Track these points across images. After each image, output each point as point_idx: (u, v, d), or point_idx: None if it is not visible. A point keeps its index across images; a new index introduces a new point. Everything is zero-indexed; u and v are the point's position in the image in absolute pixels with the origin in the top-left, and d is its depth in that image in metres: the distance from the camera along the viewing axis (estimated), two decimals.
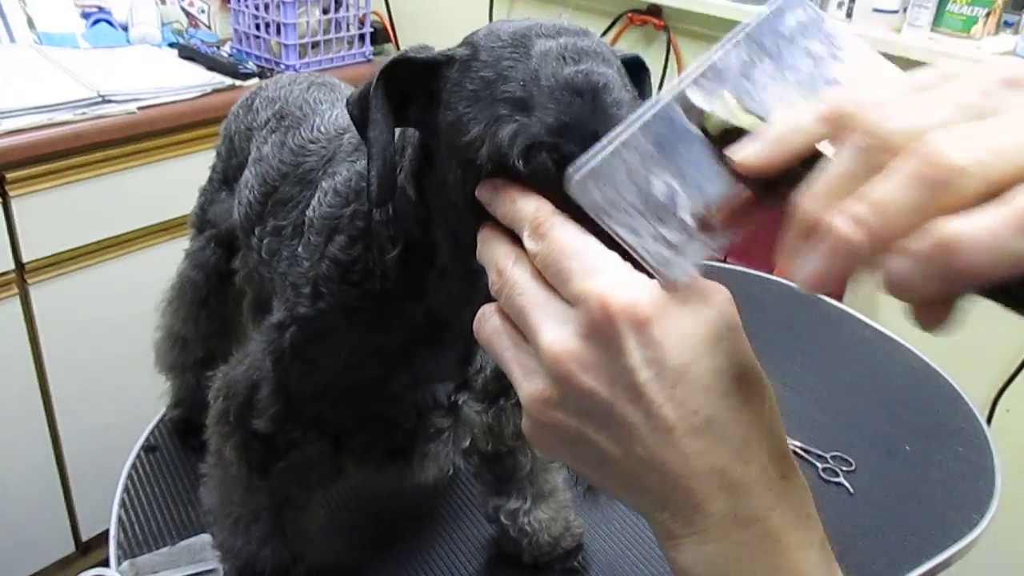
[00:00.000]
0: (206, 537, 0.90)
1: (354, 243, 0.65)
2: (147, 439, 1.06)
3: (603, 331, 0.40)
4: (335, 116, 0.81)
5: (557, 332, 0.41)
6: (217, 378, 0.76)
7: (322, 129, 0.80)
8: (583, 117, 0.45)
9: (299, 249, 0.70)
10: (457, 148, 0.49)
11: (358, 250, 0.64)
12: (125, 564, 0.85)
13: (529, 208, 0.44)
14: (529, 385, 0.43)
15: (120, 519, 0.93)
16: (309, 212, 0.71)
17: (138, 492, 0.98)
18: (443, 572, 0.91)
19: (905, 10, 1.62)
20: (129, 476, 1.00)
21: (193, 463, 1.02)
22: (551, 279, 0.42)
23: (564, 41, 0.48)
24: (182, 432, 1.05)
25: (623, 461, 0.42)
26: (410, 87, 0.53)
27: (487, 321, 0.45)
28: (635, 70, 0.56)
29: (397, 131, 0.56)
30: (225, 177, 0.98)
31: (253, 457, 0.73)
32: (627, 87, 0.48)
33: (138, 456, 1.03)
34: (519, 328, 0.44)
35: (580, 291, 0.40)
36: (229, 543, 0.81)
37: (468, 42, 0.52)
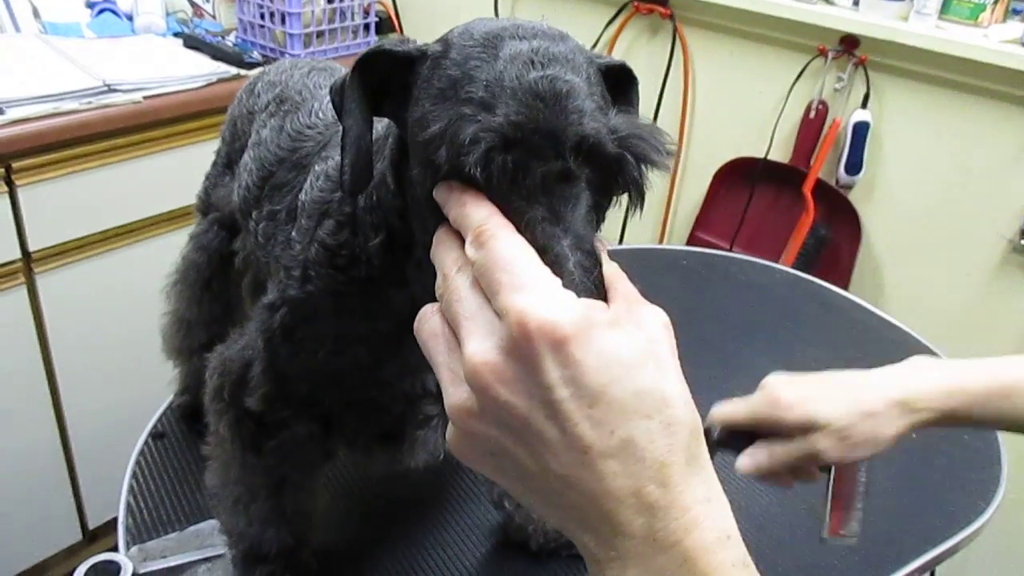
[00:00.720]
0: (214, 522, 0.90)
1: (341, 228, 0.65)
2: (155, 426, 1.07)
3: (521, 348, 0.40)
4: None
5: (481, 344, 0.42)
6: (214, 356, 0.77)
7: (320, 115, 0.81)
8: (541, 122, 0.45)
9: (292, 233, 0.70)
10: (419, 145, 0.48)
11: (345, 235, 0.65)
12: (134, 549, 0.86)
13: (477, 216, 0.44)
14: (455, 393, 0.43)
15: (129, 505, 0.94)
16: (302, 196, 0.71)
17: (146, 478, 0.98)
18: (450, 558, 0.91)
19: None
20: (137, 463, 1.00)
21: (200, 449, 1.02)
22: (485, 289, 0.42)
23: (536, 44, 0.48)
24: (189, 418, 1.05)
25: (542, 477, 0.42)
26: (387, 80, 0.53)
27: (426, 322, 0.45)
28: (622, 78, 0.56)
29: (385, 121, 0.57)
30: (228, 160, 0.98)
31: (246, 434, 0.74)
32: (595, 96, 0.48)
33: (146, 443, 1.04)
34: (455, 334, 0.44)
35: (504, 306, 0.41)
36: (232, 524, 0.82)
37: (443, 39, 0.52)
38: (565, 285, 0.41)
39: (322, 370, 0.68)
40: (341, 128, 0.54)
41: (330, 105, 0.80)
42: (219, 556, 0.86)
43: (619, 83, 0.56)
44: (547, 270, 0.42)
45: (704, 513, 0.41)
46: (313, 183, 0.70)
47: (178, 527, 0.91)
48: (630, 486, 0.40)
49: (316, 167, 0.72)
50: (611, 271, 0.45)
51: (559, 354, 0.39)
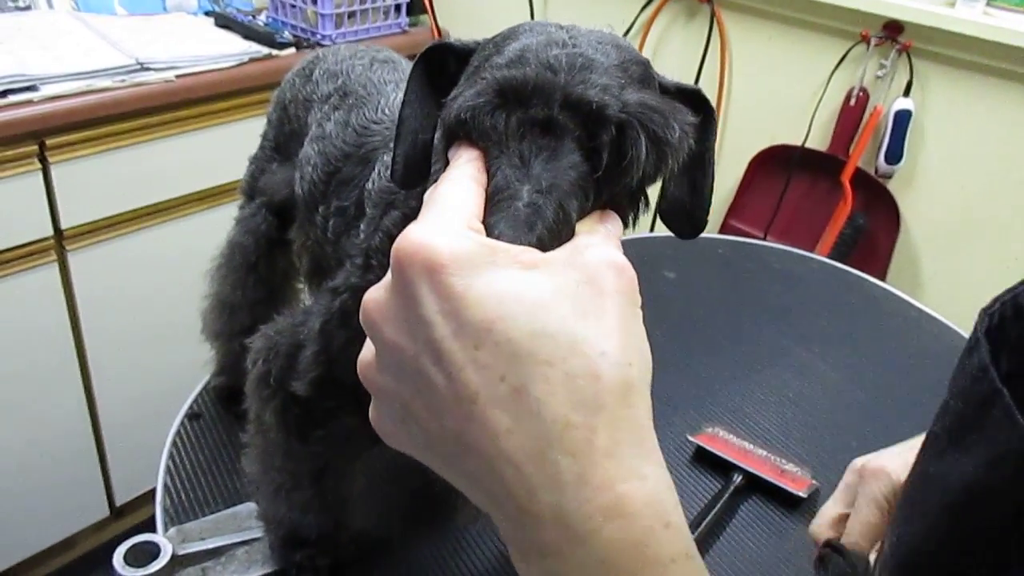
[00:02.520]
0: (251, 506, 0.89)
1: (407, 220, 0.64)
2: (191, 406, 1.06)
3: (398, 278, 0.36)
4: (400, 99, 0.81)
5: (378, 283, 0.39)
6: (257, 339, 0.75)
7: (387, 111, 0.80)
8: (541, 81, 0.43)
9: (361, 225, 0.70)
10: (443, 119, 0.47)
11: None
12: (172, 530, 0.85)
13: (457, 168, 0.42)
14: (364, 348, 0.40)
15: (166, 486, 0.93)
16: (368, 185, 0.71)
17: (183, 459, 0.98)
18: (488, 546, 0.90)
19: None
20: (174, 443, 1.00)
21: (237, 431, 1.01)
22: None
23: (575, 35, 0.47)
24: (226, 399, 1.05)
25: (441, 440, 0.37)
26: (455, 80, 0.51)
27: None
28: (696, 108, 0.50)
29: None
30: (277, 144, 0.97)
31: (292, 422, 0.72)
32: (624, 80, 0.45)
33: (182, 423, 1.03)
34: None
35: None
36: (272, 512, 0.81)
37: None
38: (499, 220, 0.38)
39: None
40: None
41: (397, 102, 0.80)
42: (257, 539, 0.85)
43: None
44: (469, 208, 0.39)
45: (632, 493, 0.34)
46: (381, 172, 0.70)
47: (214, 508, 0.91)
48: (528, 448, 0.33)
49: (384, 157, 0.71)
50: (592, 235, 0.41)
51: (434, 283, 0.35)
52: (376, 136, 0.78)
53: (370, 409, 0.41)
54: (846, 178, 1.78)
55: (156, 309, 1.86)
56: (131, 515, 2.05)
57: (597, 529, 0.33)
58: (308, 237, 0.87)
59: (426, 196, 0.41)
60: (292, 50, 1.94)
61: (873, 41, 1.71)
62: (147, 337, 1.87)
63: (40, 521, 1.87)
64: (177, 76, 1.71)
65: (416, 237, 0.36)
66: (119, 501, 2.00)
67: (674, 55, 1.95)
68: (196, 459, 0.98)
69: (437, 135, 0.49)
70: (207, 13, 2.07)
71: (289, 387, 0.70)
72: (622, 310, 0.36)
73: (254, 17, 2.08)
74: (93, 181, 1.66)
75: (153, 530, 0.87)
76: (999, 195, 1.67)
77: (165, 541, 0.80)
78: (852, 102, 1.78)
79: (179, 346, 1.85)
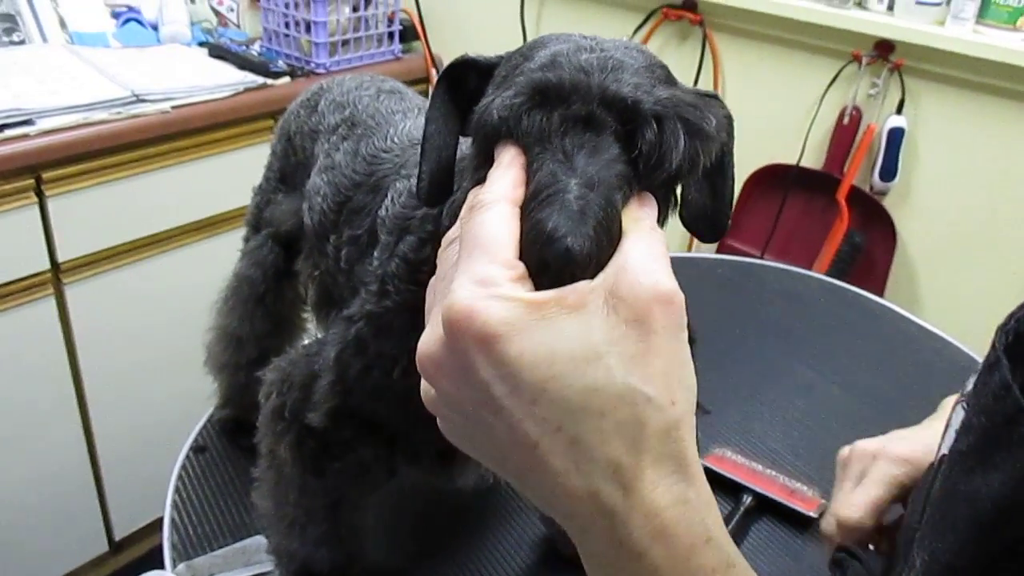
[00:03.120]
0: (260, 539, 0.89)
1: (423, 245, 0.64)
2: (196, 439, 1.05)
3: (452, 342, 0.38)
4: (408, 128, 0.82)
5: (429, 332, 0.40)
6: (270, 371, 0.75)
7: (395, 139, 0.80)
8: (577, 81, 0.44)
9: (375, 252, 0.70)
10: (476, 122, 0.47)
11: (427, 252, 0.64)
12: (182, 566, 0.84)
13: (489, 179, 0.43)
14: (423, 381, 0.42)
15: (173, 520, 0.92)
16: (381, 212, 0.71)
17: (189, 493, 0.97)
18: (498, 574, 0.89)
19: (949, 2, 1.60)
20: (179, 477, 0.99)
21: (243, 463, 1.01)
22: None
23: (601, 41, 0.48)
24: (231, 432, 1.04)
25: (505, 467, 0.41)
26: (477, 96, 0.52)
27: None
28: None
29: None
30: (282, 176, 0.97)
31: (307, 455, 0.72)
32: (653, 80, 0.46)
33: (187, 457, 1.02)
34: None
35: (448, 291, 0.39)
36: (284, 547, 0.80)
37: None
38: (550, 213, 0.39)
39: (392, 388, 0.67)
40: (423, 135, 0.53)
41: (405, 131, 0.80)
42: (267, 573, 0.85)
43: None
44: (507, 243, 0.39)
45: (677, 517, 0.38)
46: (395, 199, 0.70)
47: (222, 543, 0.90)
48: (584, 486, 0.38)
49: (397, 184, 0.72)
50: (637, 243, 0.41)
51: (489, 354, 0.37)
52: (386, 164, 0.78)
53: (439, 422, 0.43)
54: (842, 196, 1.79)
55: (154, 341, 1.85)
56: (130, 549, 2.03)
57: (646, 550, 0.38)
58: (317, 267, 0.86)
59: (462, 216, 0.42)
60: (287, 79, 1.95)
61: (865, 60, 1.72)
62: (145, 369, 1.86)
63: (38, 556, 1.84)
64: (173, 107, 1.72)
65: (465, 304, 0.37)
66: (118, 536, 1.98)
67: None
68: (203, 493, 0.97)
69: (467, 144, 0.49)
70: (201, 44, 2.08)
71: (304, 419, 0.69)
72: (668, 346, 0.39)
73: (248, 47, 2.09)
74: (90, 214, 1.66)
75: (153, 565, 0.86)
76: (993, 210, 1.68)
77: None
78: (846, 121, 1.79)
79: (177, 378, 1.85)
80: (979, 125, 1.65)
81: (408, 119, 0.84)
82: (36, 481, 1.77)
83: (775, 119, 1.90)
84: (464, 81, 0.53)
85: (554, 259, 0.38)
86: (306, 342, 0.77)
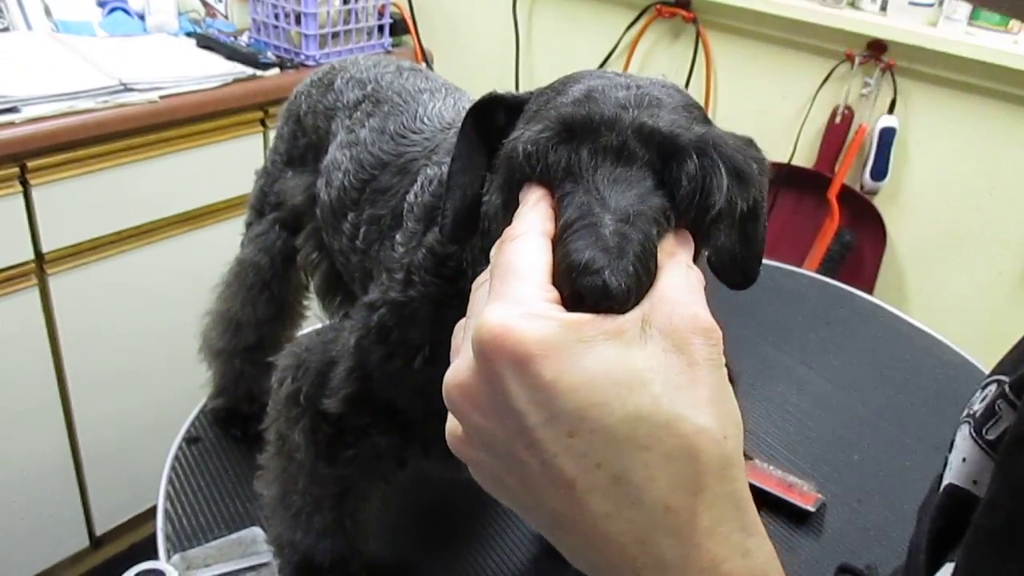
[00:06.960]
0: (256, 530, 0.87)
1: None
2: (189, 430, 1.04)
3: (484, 366, 0.35)
4: (438, 108, 0.80)
5: (459, 363, 0.37)
6: (283, 357, 0.73)
7: (425, 120, 0.78)
8: (611, 115, 0.42)
9: (397, 236, 0.68)
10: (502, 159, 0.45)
11: (454, 246, 0.63)
12: (176, 557, 0.83)
13: (519, 214, 0.40)
14: (448, 418, 0.39)
15: (166, 511, 0.91)
16: (410, 198, 0.69)
17: (182, 484, 0.95)
18: (499, 568, 0.88)
19: (941, 3, 1.61)
20: (172, 468, 0.97)
21: (236, 454, 0.99)
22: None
23: (636, 79, 0.46)
24: (223, 422, 1.03)
25: (538, 512, 0.36)
26: (504, 130, 0.50)
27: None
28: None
29: None
30: (289, 158, 0.96)
31: (322, 442, 0.70)
32: (689, 117, 0.44)
33: (180, 447, 1.01)
34: None
35: (477, 318, 0.35)
36: (287, 537, 0.79)
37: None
38: (585, 246, 0.36)
39: (411, 377, 0.66)
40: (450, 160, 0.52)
41: (435, 111, 0.79)
42: (264, 564, 0.83)
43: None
44: (540, 269, 0.36)
45: (736, 571, 0.34)
46: (425, 186, 0.68)
47: (217, 534, 0.88)
48: (630, 533, 0.33)
49: (428, 170, 0.70)
50: (673, 279, 0.38)
51: (523, 376, 0.33)
52: (416, 146, 0.76)
53: (470, 470, 0.40)
54: (833, 195, 1.80)
55: (139, 333, 1.82)
56: (110, 544, 2.00)
57: None
58: (319, 249, 0.85)
59: (493, 255, 0.39)
60: (276, 71, 1.93)
61: (857, 60, 1.73)
62: (129, 362, 1.83)
63: (18, 551, 1.81)
64: (161, 97, 1.69)
65: (498, 322, 0.34)
66: (99, 531, 1.95)
67: (658, 74, 1.96)
68: (196, 484, 0.95)
69: (492, 181, 0.47)
70: (188, 34, 2.06)
71: (320, 405, 0.68)
72: (712, 378, 0.35)
73: (236, 38, 2.07)
74: (75, 203, 1.63)
75: (135, 562, 0.84)
76: (982, 210, 1.69)
77: (171, 568, 0.77)
78: (837, 120, 1.80)
79: (162, 372, 1.82)
80: (970, 126, 1.66)
81: (436, 99, 0.82)
82: (16, 475, 1.73)
83: (767, 117, 1.91)
84: (492, 118, 0.51)
85: (590, 292, 0.36)
86: (318, 326, 0.75)
